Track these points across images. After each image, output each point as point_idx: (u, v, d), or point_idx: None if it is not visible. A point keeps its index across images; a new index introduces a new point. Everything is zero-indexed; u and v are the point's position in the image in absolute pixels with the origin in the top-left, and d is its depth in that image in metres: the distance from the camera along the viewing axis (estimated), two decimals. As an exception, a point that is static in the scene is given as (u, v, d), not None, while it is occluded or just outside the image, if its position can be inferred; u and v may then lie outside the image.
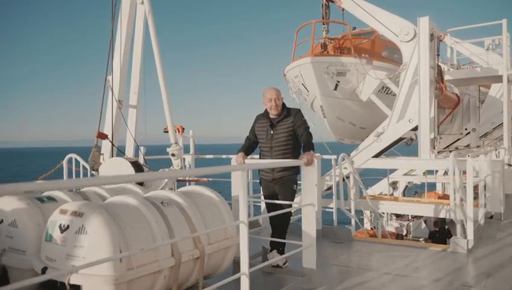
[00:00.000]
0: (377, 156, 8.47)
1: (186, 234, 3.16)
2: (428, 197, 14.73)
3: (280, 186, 4.37)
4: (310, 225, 3.95)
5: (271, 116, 4.37)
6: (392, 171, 12.26)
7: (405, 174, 13.61)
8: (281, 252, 4.40)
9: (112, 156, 5.81)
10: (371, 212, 11.37)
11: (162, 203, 3.24)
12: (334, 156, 6.08)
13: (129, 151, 6.38)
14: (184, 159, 7.55)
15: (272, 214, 4.12)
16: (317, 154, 6.02)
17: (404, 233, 13.75)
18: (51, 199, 3.58)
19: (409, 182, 14.35)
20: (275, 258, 4.20)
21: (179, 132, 7.56)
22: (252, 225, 4.59)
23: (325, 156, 6.13)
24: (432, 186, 15.38)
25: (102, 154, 5.68)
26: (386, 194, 13.47)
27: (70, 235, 2.72)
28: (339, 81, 9.06)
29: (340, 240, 5.86)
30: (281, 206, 4.22)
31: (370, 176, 13.34)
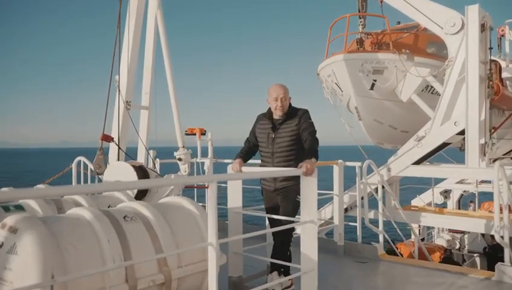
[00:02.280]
0: (418, 162, 7.56)
1: (149, 255, 2.70)
2: (482, 208, 13.30)
3: (282, 197, 3.79)
4: (310, 246, 3.34)
5: (274, 116, 3.81)
6: (440, 179, 11.11)
7: (458, 182, 12.32)
8: (285, 273, 3.83)
9: (119, 160, 5.51)
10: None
11: (124, 217, 2.80)
12: (359, 164, 5.35)
13: (141, 155, 6.08)
14: (203, 163, 7.16)
15: (272, 230, 3.57)
16: (339, 161, 5.38)
17: (457, 247, 12.47)
18: (18, 207, 3.28)
19: (464, 191, 13.02)
20: (274, 281, 3.63)
21: (197, 134, 7.18)
22: (257, 239, 4.03)
23: (349, 163, 5.41)
24: (490, 196, 13.92)
25: (107, 157, 5.40)
26: (436, 204, 12.34)
27: (2, 255, 2.34)
28: (375, 80, 8.21)
29: (365, 259, 5.15)
30: (284, 220, 3.64)
31: (417, 184, 12.25)
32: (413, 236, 12.66)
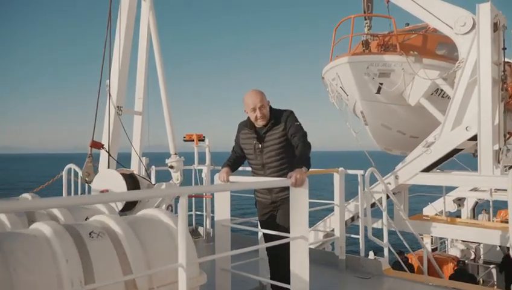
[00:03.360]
0: (427, 170, 7.18)
1: (115, 277, 2.42)
2: (499, 216, 12.75)
3: (280, 209, 3.45)
4: (301, 265, 3.01)
5: (257, 126, 3.48)
6: (451, 187, 10.65)
7: (472, 190, 11.81)
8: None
9: (109, 168, 5.27)
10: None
11: (90, 234, 2.52)
12: (361, 172, 5.01)
13: (134, 162, 5.84)
14: (201, 170, 6.88)
15: (266, 245, 3.25)
16: (340, 169, 5.05)
17: (472, 257, 11.94)
18: (-16, 220, 3.04)
19: (479, 199, 12.49)
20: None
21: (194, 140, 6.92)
22: (250, 254, 3.72)
23: (350, 171, 5.08)
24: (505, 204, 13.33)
25: (96, 165, 5.17)
26: (449, 212, 11.84)
27: None
28: (381, 83, 7.88)
29: (368, 274, 4.79)
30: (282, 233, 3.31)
31: (429, 191, 11.80)
32: (426, 246, 12.20)
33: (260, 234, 3.98)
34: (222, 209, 3.61)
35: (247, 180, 3.50)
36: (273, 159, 3.39)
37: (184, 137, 7.35)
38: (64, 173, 5.78)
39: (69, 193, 5.74)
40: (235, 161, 3.65)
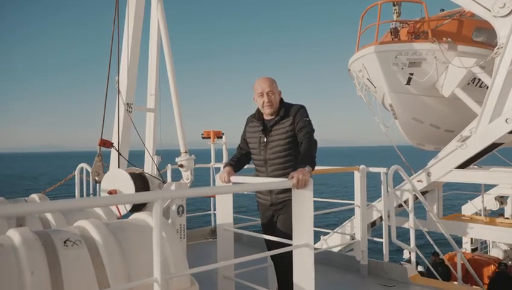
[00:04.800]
0: (462, 166, 6.59)
1: (87, 289, 2.18)
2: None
3: (282, 213, 3.13)
4: (305, 277, 2.68)
5: (265, 117, 3.18)
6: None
7: (516, 186, 10.93)
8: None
9: (119, 167, 5.11)
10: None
11: (65, 242, 2.30)
12: (384, 169, 4.57)
13: (148, 160, 5.66)
14: (219, 168, 6.63)
15: (270, 253, 2.93)
16: (361, 166, 4.63)
17: (517, 258, 11.08)
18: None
19: (524, 196, 11.56)
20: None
21: (210, 137, 6.68)
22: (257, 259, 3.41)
23: (372, 169, 4.64)
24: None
25: (106, 164, 5.02)
26: (491, 211, 11.04)
27: None
28: (412, 74, 7.30)
29: (392, 281, 4.38)
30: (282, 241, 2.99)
31: (467, 189, 11.04)
32: (465, 247, 11.40)
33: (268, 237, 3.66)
34: (224, 212, 3.32)
35: (249, 180, 3.19)
36: (277, 156, 3.06)
37: (202, 134, 7.13)
38: (76, 173, 5.70)
39: (81, 193, 5.65)
40: (239, 160, 3.35)
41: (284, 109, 3.09)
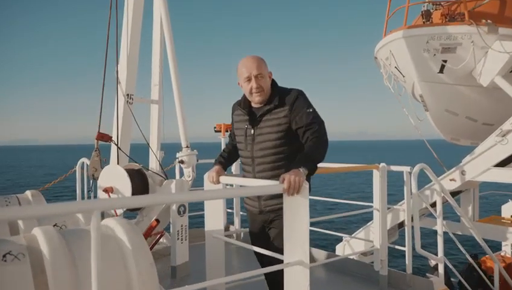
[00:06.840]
0: (502, 164, 5.88)
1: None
2: None
3: (274, 227, 2.61)
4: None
5: (253, 104, 2.64)
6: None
7: None
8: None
9: (118, 162, 4.79)
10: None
11: (5, 256, 1.93)
12: (407, 168, 3.98)
13: (153, 156, 5.32)
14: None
15: (263, 270, 2.47)
16: (381, 164, 4.07)
17: None
18: None
19: None
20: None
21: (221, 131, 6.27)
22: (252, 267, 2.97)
23: (394, 167, 4.06)
24: None
25: (105, 159, 4.70)
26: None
27: None
28: (445, 61, 6.57)
29: (416, 296, 3.82)
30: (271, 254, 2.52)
31: (506, 191, 10.12)
32: (505, 249, 10.51)
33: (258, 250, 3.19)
34: (213, 217, 2.89)
35: (240, 181, 2.72)
36: (265, 153, 2.52)
37: (215, 127, 6.74)
38: (77, 168, 5.43)
39: (82, 189, 5.39)
40: (230, 152, 2.87)
41: (278, 96, 2.52)
